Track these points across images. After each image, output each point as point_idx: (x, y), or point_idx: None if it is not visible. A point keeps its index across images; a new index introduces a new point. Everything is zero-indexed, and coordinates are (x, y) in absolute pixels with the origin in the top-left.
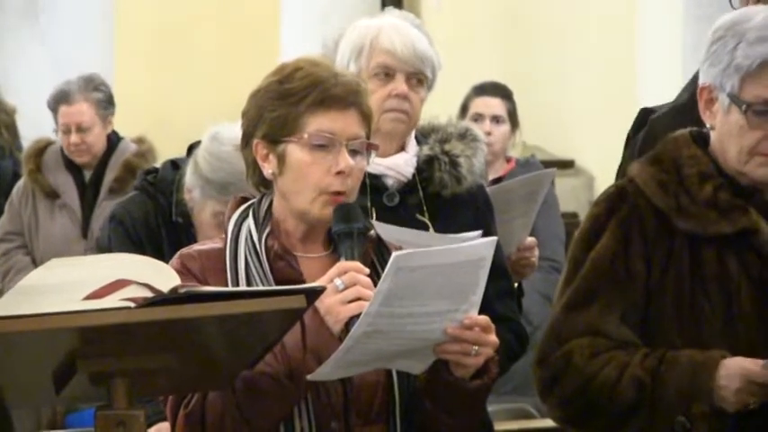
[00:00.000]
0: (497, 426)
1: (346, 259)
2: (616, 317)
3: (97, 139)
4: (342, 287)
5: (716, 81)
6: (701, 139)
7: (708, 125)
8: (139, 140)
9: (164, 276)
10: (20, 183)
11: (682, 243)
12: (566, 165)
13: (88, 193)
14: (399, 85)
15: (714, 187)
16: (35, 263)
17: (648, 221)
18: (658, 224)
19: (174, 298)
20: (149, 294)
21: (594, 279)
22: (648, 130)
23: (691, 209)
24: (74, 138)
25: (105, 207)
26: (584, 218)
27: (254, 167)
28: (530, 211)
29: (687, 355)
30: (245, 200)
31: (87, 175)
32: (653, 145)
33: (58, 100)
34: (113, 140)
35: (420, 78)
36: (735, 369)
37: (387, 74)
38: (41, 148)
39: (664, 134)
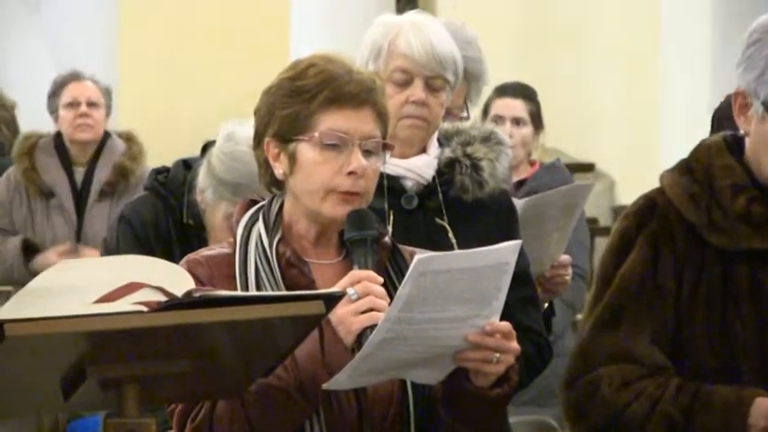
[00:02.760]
0: None
1: (359, 268)
2: (646, 337)
3: (101, 121)
4: (355, 297)
5: (750, 87)
6: (737, 146)
7: (742, 131)
8: (128, 138)
9: (178, 279)
10: (8, 178)
11: (713, 258)
12: (585, 168)
13: (82, 195)
14: (417, 91)
15: (748, 200)
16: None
17: (679, 236)
18: (689, 238)
19: (188, 302)
20: (162, 298)
21: (623, 297)
22: (715, 112)
23: (723, 223)
24: (83, 108)
25: (97, 209)
26: (613, 231)
27: (265, 167)
28: (567, 225)
29: (721, 393)
30: (254, 202)
31: (78, 173)
32: (717, 128)
33: (66, 79)
34: (103, 137)
35: (440, 82)
36: (765, 406)
37: (405, 79)
38: (33, 144)
39: (725, 116)
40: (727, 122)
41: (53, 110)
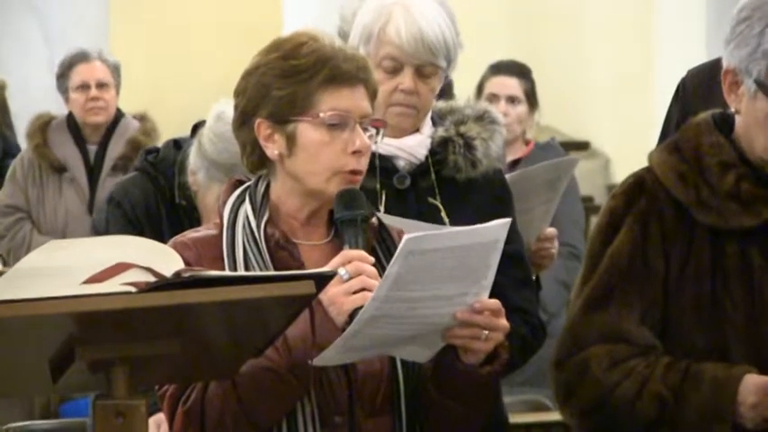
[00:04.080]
0: (512, 418)
1: (350, 248)
2: (635, 317)
3: (112, 101)
4: (346, 277)
5: (741, 65)
6: (726, 124)
7: (732, 109)
8: (142, 117)
9: (167, 260)
10: (22, 157)
11: (702, 237)
12: (580, 146)
13: (95, 169)
14: (406, 79)
15: (736, 177)
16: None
17: (667, 215)
18: (678, 217)
19: (177, 283)
20: (151, 279)
21: (612, 277)
22: (681, 83)
23: (711, 201)
24: (93, 92)
25: (109, 184)
26: (602, 211)
27: (252, 148)
28: (551, 199)
29: (710, 371)
30: (240, 182)
31: (92, 149)
32: (684, 99)
33: (74, 60)
34: (117, 115)
35: (430, 69)
36: (753, 383)
37: (394, 66)
38: (45, 123)
39: (694, 88)
40: (694, 94)
41: (63, 91)
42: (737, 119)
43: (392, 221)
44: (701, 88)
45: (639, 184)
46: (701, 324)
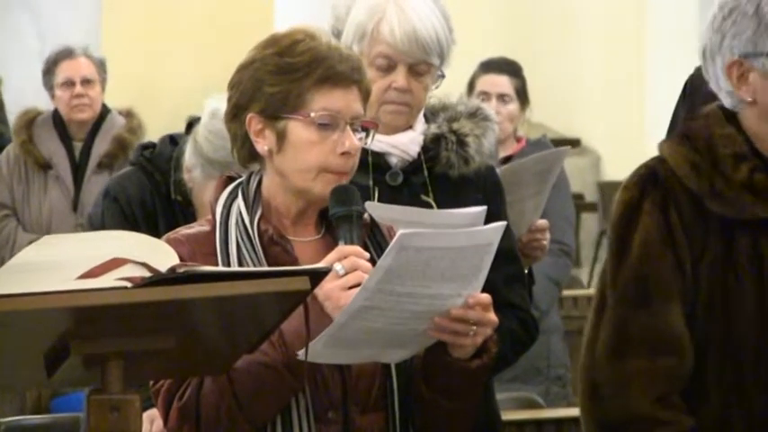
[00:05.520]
0: (504, 416)
1: (345, 243)
2: (675, 310)
3: (97, 98)
4: (342, 272)
5: (747, 48)
6: (733, 117)
7: (749, 99)
8: (128, 114)
9: (162, 255)
10: (7, 153)
11: (716, 227)
12: (571, 144)
13: (80, 167)
14: (399, 77)
15: (750, 169)
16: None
17: (683, 205)
18: (693, 208)
19: (172, 278)
20: (147, 274)
21: (646, 266)
22: (688, 81)
23: (725, 191)
24: (78, 89)
25: (94, 181)
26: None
27: (242, 142)
28: (542, 191)
29: None
30: (231, 179)
31: (77, 146)
32: (691, 97)
33: (59, 57)
34: (103, 112)
35: (423, 68)
36: None
37: (387, 65)
38: (31, 119)
39: (700, 86)
40: (700, 92)
41: (48, 87)
42: (747, 112)
43: (378, 208)
44: (707, 86)
45: (653, 175)
46: (713, 315)
